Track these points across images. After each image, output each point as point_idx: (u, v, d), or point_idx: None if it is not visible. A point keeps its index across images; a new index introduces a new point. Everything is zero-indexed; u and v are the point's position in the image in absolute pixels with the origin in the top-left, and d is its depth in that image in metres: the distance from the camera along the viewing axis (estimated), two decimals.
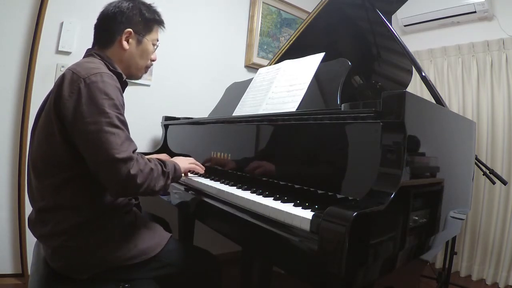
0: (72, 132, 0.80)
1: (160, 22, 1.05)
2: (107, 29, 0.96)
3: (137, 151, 0.83)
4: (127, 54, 0.98)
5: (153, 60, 1.07)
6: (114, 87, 0.84)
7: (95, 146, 0.77)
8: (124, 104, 0.88)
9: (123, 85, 0.96)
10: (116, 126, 0.79)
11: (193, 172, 1.23)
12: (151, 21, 1.01)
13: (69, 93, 0.80)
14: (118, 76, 0.92)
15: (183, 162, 1.08)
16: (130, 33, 0.97)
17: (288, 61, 1.29)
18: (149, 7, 1.02)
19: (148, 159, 0.87)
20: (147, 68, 1.06)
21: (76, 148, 0.82)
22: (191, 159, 1.16)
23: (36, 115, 0.93)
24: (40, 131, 0.87)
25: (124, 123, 0.83)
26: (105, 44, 0.97)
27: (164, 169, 0.90)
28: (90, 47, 1.00)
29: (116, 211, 0.91)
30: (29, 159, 0.92)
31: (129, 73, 1.02)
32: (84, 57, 0.98)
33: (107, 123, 0.78)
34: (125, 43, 0.96)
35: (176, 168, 0.96)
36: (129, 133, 0.84)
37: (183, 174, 1.07)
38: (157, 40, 1.06)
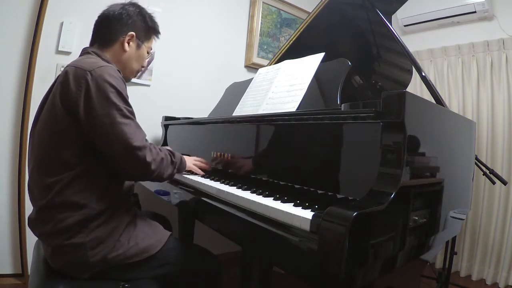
0: (86, 127, 0.83)
1: (157, 33, 1.11)
2: (111, 28, 0.99)
3: None
4: (126, 56, 1.02)
5: (143, 67, 1.12)
6: (119, 79, 0.88)
7: (111, 137, 0.83)
8: (128, 95, 0.91)
9: None
10: (127, 117, 0.86)
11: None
12: (151, 29, 1.07)
13: (77, 87, 0.83)
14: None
15: (189, 160, 1.18)
16: (133, 36, 1.01)
17: (288, 61, 1.29)
18: (151, 17, 1.07)
19: (159, 148, 0.95)
20: (137, 72, 1.11)
21: (83, 144, 0.84)
22: (196, 162, 1.22)
23: (36, 113, 0.93)
24: (43, 130, 0.87)
25: (132, 113, 0.89)
26: (106, 43, 0.99)
27: (173, 159, 1.00)
28: (88, 45, 1.02)
29: (116, 209, 0.91)
30: (29, 158, 0.92)
31: (123, 74, 1.02)
32: (80, 55, 0.99)
33: (120, 115, 0.84)
34: (126, 45, 1.00)
35: (182, 160, 1.07)
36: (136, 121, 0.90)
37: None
38: (151, 49, 1.12)
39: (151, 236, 0.94)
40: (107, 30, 0.99)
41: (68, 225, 0.82)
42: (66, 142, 0.84)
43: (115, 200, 0.91)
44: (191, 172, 1.22)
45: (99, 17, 1.01)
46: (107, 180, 0.89)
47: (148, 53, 1.09)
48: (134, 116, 0.89)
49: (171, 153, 1.01)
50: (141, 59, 1.07)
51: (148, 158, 0.86)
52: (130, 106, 0.89)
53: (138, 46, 1.04)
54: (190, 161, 1.19)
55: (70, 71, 0.85)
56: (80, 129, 0.83)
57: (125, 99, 0.87)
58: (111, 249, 0.85)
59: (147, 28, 1.05)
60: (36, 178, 0.87)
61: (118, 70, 0.95)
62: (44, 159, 0.86)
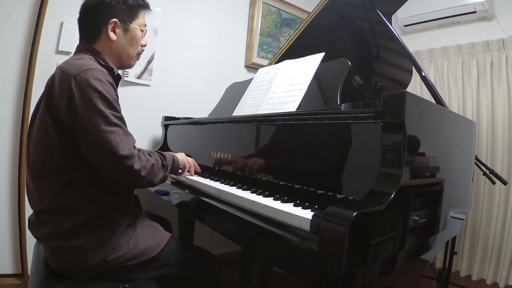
0: (70, 133, 0.80)
1: (145, 6, 1.02)
2: (91, 22, 0.94)
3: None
4: (115, 45, 0.96)
5: (144, 46, 1.04)
6: (106, 82, 0.83)
7: (96, 145, 0.78)
8: (118, 99, 0.87)
9: (116, 79, 0.95)
10: (114, 124, 0.80)
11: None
12: (135, 6, 0.98)
13: (61, 93, 0.79)
14: (110, 70, 0.91)
15: (182, 156, 1.12)
16: (116, 23, 0.94)
17: (288, 61, 1.29)
18: None
19: (148, 152, 0.91)
20: (138, 55, 1.04)
21: (74, 149, 0.82)
22: (190, 159, 1.18)
23: (31, 118, 0.92)
24: (36, 135, 0.87)
25: (120, 119, 0.83)
26: (91, 38, 0.95)
27: (164, 162, 0.95)
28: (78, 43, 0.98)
29: (115, 212, 0.91)
30: (27, 162, 0.91)
31: (121, 63, 1.00)
32: (74, 54, 0.97)
33: (104, 122, 0.78)
34: (112, 34, 0.94)
35: (174, 160, 1.02)
36: (126, 127, 0.85)
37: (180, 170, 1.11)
38: (145, 25, 1.03)
39: (151, 238, 0.94)
40: (88, 25, 0.95)
41: (66, 228, 0.82)
42: (56, 147, 0.81)
43: (113, 203, 0.90)
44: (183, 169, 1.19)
45: (79, 13, 0.96)
46: (103, 183, 0.86)
47: (142, 31, 1.00)
48: (123, 122, 0.84)
49: (162, 156, 0.96)
50: (135, 41, 0.99)
51: (137, 166, 0.81)
52: (118, 111, 0.84)
53: (126, 30, 0.96)
54: (183, 157, 1.15)
55: (57, 75, 0.82)
56: (66, 135, 0.80)
57: (111, 105, 0.81)
58: (110, 251, 0.85)
59: (129, 7, 0.96)
60: (33, 182, 0.87)
61: (111, 68, 0.93)
62: (37, 164, 0.85)
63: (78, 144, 0.80)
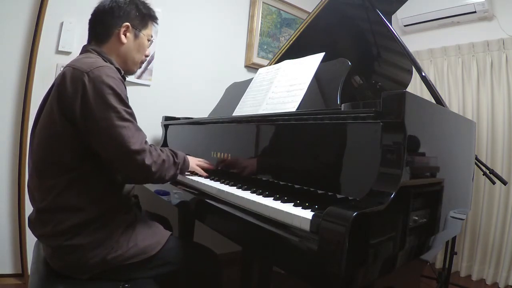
0: (83, 130, 0.81)
1: (154, 18, 1.07)
2: (104, 23, 0.96)
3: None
4: (124, 48, 0.99)
5: (147, 56, 1.08)
6: (118, 79, 0.85)
7: (108, 141, 0.81)
8: (127, 97, 0.89)
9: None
10: (126, 119, 0.82)
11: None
12: (146, 16, 1.03)
13: (74, 90, 0.81)
14: (117, 70, 0.92)
15: (192, 160, 1.14)
16: (128, 27, 0.98)
17: (288, 61, 1.29)
18: (144, 3, 1.04)
19: (160, 149, 0.92)
20: (141, 63, 1.08)
21: (81, 147, 0.83)
22: (200, 163, 1.19)
23: (36, 116, 0.93)
24: (42, 132, 0.87)
25: (132, 115, 0.86)
26: (101, 38, 0.97)
27: (176, 160, 0.97)
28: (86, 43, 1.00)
29: (116, 212, 0.91)
30: (29, 160, 0.92)
31: (125, 67, 1.02)
32: (80, 53, 0.98)
33: (117, 118, 0.81)
34: (123, 37, 0.97)
35: (185, 160, 1.04)
36: (137, 122, 0.87)
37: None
38: (151, 36, 1.07)
39: (150, 237, 0.94)
40: (101, 25, 0.97)
41: (66, 227, 0.82)
42: (63, 145, 0.82)
43: (114, 202, 0.91)
44: (193, 173, 1.22)
45: (91, 14, 0.99)
46: (105, 183, 0.88)
47: (148, 40, 1.05)
48: (134, 118, 0.86)
49: (174, 154, 0.98)
50: (142, 48, 1.03)
51: (148, 161, 0.83)
52: (130, 108, 0.86)
53: (136, 36, 1.00)
54: (194, 162, 1.16)
55: (68, 72, 0.83)
56: (77, 132, 0.82)
57: (123, 101, 0.84)
58: (110, 250, 0.85)
59: (142, 15, 1.01)
60: (35, 180, 0.87)
61: (118, 68, 0.94)
62: (42, 162, 0.86)
63: (90, 140, 0.82)
